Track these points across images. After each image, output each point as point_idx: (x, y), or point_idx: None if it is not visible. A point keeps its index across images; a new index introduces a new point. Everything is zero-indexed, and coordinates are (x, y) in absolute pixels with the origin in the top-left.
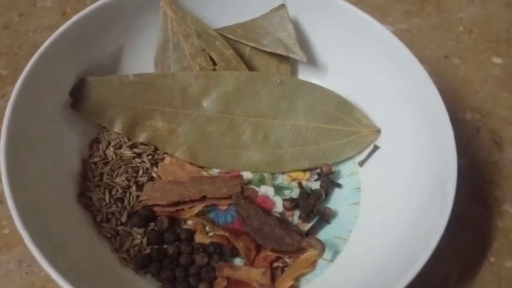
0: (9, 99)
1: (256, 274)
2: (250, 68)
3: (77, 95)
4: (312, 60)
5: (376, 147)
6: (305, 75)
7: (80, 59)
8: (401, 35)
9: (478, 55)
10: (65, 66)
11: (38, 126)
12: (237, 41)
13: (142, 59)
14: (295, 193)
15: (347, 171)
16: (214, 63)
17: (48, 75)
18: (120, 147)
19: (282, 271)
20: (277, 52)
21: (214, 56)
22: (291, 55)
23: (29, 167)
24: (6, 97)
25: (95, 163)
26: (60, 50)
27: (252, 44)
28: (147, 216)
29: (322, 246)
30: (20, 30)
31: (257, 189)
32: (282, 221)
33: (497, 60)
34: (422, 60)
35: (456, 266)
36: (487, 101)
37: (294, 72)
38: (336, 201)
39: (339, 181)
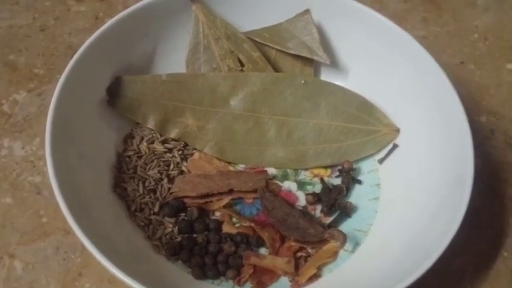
0: (47, 96)
1: (281, 263)
2: (276, 69)
3: (113, 93)
4: (334, 63)
5: (395, 146)
6: (328, 77)
7: (116, 59)
8: (418, 41)
9: (493, 61)
10: (101, 66)
11: (78, 122)
12: (263, 44)
13: (174, 60)
14: (317, 188)
15: (367, 168)
16: (242, 65)
17: (86, 74)
18: (153, 142)
19: (305, 260)
20: (302, 54)
21: (242, 57)
22: (315, 57)
23: (71, 160)
24: (44, 95)
25: (129, 156)
26: (97, 52)
27: (277, 47)
28: (178, 206)
29: (344, 238)
30: (56, 33)
31: (281, 184)
32: (306, 214)
33: (511, 66)
34: (439, 65)
35: (471, 260)
36: (501, 105)
37: (317, 74)
38: (357, 196)
39: (360, 177)
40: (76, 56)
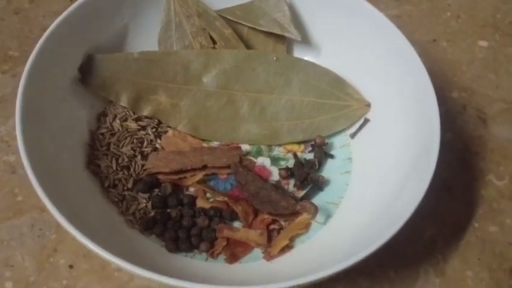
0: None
1: (254, 235)
2: (249, 47)
3: (86, 71)
4: (307, 40)
5: (366, 120)
6: (300, 53)
7: (88, 38)
8: (392, 20)
9: (465, 39)
10: (72, 45)
11: (49, 101)
12: (235, 21)
13: (146, 38)
14: (290, 164)
15: (339, 143)
16: (214, 42)
17: (57, 53)
18: (126, 120)
19: (278, 233)
20: (273, 31)
21: (214, 35)
22: (286, 34)
23: (43, 138)
24: (18, 76)
25: (102, 134)
26: (68, 30)
27: (249, 25)
28: (151, 182)
29: (315, 209)
30: (31, 16)
31: (254, 160)
32: (278, 187)
33: (483, 43)
34: (412, 43)
35: (443, 230)
36: (473, 81)
37: (289, 51)
38: (329, 170)
39: (332, 152)
40: (45, 35)
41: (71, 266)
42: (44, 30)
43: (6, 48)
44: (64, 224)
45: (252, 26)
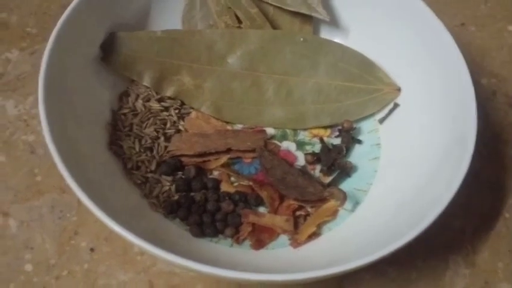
0: (40, 55)
1: (280, 221)
2: (274, 27)
3: (108, 49)
4: (334, 21)
5: (396, 105)
6: (328, 35)
7: (110, 16)
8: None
9: (494, 23)
10: (95, 22)
11: (71, 80)
12: (261, 0)
13: (170, 17)
14: (316, 148)
15: (367, 128)
16: (240, 22)
17: (78, 31)
18: (148, 100)
19: (305, 219)
20: (301, 11)
21: (239, 14)
22: (313, 14)
23: (65, 117)
24: (36, 54)
25: (124, 114)
26: (90, 7)
27: (275, 3)
28: (175, 165)
29: (344, 196)
30: None
31: (279, 144)
32: (305, 173)
33: None
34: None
35: (472, 220)
36: (502, 67)
37: (316, 32)
38: (357, 156)
39: (360, 137)
40: (66, 12)
41: (92, 249)
42: (63, 7)
43: (24, 25)
44: (87, 203)
45: (279, 5)
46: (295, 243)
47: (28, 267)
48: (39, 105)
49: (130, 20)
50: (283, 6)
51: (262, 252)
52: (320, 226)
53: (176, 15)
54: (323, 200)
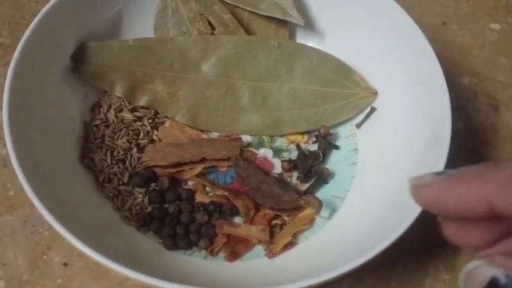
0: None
1: (255, 231)
2: (249, 32)
3: (78, 59)
4: (310, 25)
5: (373, 109)
6: (303, 39)
7: (80, 24)
8: (399, 2)
9: (476, 21)
10: (64, 32)
11: (40, 91)
12: (235, 5)
13: (141, 25)
14: (293, 155)
15: (344, 133)
16: (213, 28)
17: (48, 41)
18: (121, 111)
19: (281, 228)
20: (275, 16)
21: (212, 20)
22: (288, 19)
23: (32, 131)
24: (8, 66)
25: (96, 126)
26: (59, 16)
27: (249, 9)
28: (148, 176)
29: (319, 204)
30: (22, 1)
31: (256, 151)
32: (280, 181)
33: (495, 26)
34: (420, 26)
35: None
36: (484, 66)
37: (292, 36)
38: (334, 162)
39: (337, 143)
40: (35, 21)
41: (65, 264)
42: (36, 16)
43: None
44: (51, 221)
45: (252, 10)
46: (271, 253)
47: (0, 283)
48: (3, 118)
49: (101, 29)
50: (257, 11)
51: (237, 264)
52: (296, 235)
53: (148, 22)
54: (299, 208)
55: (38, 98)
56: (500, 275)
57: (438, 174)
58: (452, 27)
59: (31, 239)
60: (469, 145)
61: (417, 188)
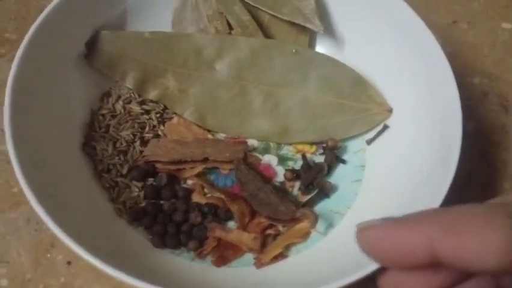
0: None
1: (247, 238)
2: (268, 35)
3: (93, 47)
4: (331, 34)
5: (386, 127)
6: (323, 48)
7: (97, 13)
8: (409, 2)
9: (487, 20)
10: (80, 19)
11: (49, 76)
12: (256, 7)
13: (159, 18)
14: (298, 165)
15: (353, 147)
16: (231, 28)
17: (62, 27)
18: (129, 102)
19: (274, 238)
20: (295, 21)
21: (231, 20)
22: (308, 25)
23: (35, 113)
24: None
25: (103, 115)
26: (76, 3)
27: (270, 12)
28: (147, 170)
29: (315, 218)
30: None
31: (261, 157)
32: (280, 190)
33: (506, 25)
34: (430, 24)
35: None
36: (495, 66)
37: (312, 44)
38: (339, 176)
39: (345, 157)
40: (49, 7)
41: (69, 263)
42: (42, 11)
43: (3, 31)
44: (33, 203)
45: (274, 13)
46: (259, 263)
47: (3, 282)
48: (5, 102)
49: (118, 19)
50: (278, 15)
51: (224, 269)
52: (288, 247)
53: (166, 16)
54: (296, 220)
55: (46, 82)
56: None
57: (386, 219)
58: (463, 26)
59: (35, 236)
60: (478, 146)
61: (362, 230)
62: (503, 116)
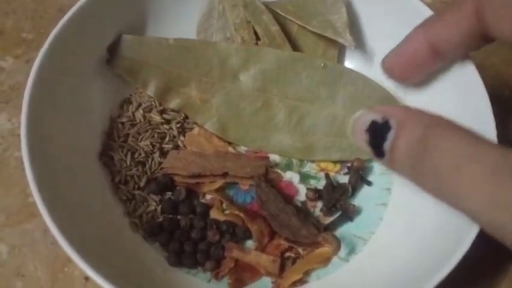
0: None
1: (266, 260)
2: (296, 47)
3: (114, 52)
4: (361, 48)
5: None
6: (352, 63)
7: (121, 17)
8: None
9: None
10: (104, 23)
11: (68, 80)
12: (285, 17)
13: (184, 24)
14: (321, 184)
15: (380, 169)
16: (258, 38)
17: (83, 31)
18: (150, 111)
19: (293, 262)
20: (325, 34)
21: (258, 30)
22: (338, 39)
23: (53, 121)
24: (32, 62)
25: (122, 123)
26: (100, 6)
27: (300, 23)
28: (165, 184)
29: (337, 244)
30: None
31: (282, 174)
32: (302, 211)
33: None
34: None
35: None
36: None
37: (341, 59)
38: (363, 198)
39: (370, 178)
40: (73, 9)
41: (86, 278)
42: (60, 10)
43: (19, 30)
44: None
45: (303, 24)
46: None
47: None
48: (23, 106)
49: (141, 24)
50: (307, 27)
51: None
52: (308, 273)
53: (192, 23)
54: (316, 244)
55: (65, 86)
56: (378, 117)
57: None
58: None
59: (52, 249)
60: None
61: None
62: None
